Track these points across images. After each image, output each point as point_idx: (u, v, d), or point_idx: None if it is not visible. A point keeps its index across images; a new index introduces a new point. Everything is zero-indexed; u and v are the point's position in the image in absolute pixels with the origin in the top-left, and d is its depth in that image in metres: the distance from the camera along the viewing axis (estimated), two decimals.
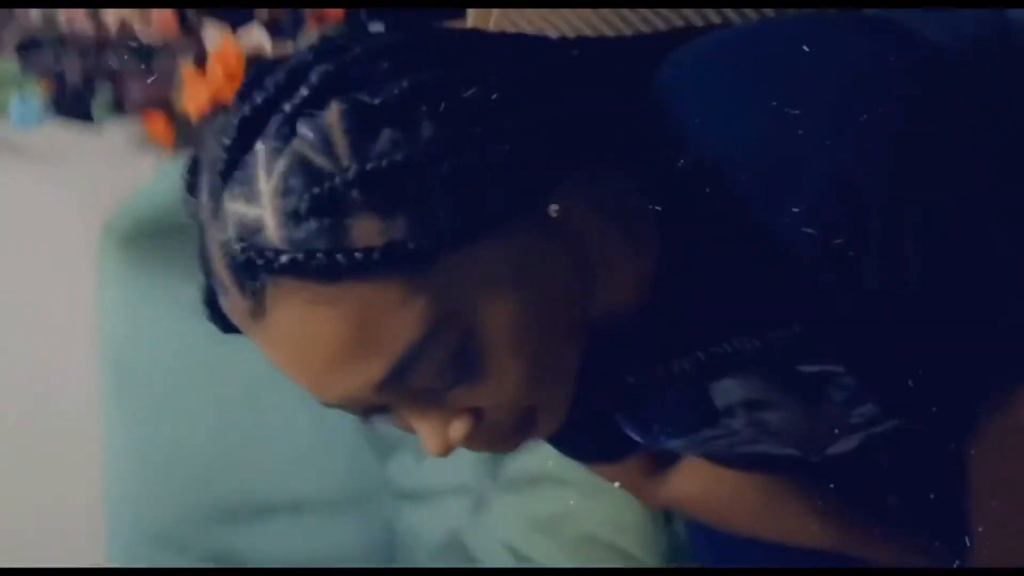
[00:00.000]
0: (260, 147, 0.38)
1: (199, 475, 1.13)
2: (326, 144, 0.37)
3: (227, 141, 0.38)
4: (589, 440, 0.63)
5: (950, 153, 0.41)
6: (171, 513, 1.12)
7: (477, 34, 0.43)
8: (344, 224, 0.37)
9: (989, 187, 0.42)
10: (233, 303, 0.39)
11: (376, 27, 0.46)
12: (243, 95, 0.41)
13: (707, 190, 0.43)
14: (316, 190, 0.36)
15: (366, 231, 0.37)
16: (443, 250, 0.38)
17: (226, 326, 0.42)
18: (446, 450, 0.42)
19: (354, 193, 0.36)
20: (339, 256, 0.36)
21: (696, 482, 0.66)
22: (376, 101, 0.37)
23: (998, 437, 0.52)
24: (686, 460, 0.65)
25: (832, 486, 0.62)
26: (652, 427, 0.58)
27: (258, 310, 0.38)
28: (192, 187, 0.41)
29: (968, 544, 0.57)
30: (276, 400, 1.19)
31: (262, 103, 0.38)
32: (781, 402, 0.52)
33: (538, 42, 0.46)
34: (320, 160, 0.37)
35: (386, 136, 0.37)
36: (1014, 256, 0.43)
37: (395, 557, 1.18)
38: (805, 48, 0.42)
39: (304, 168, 0.37)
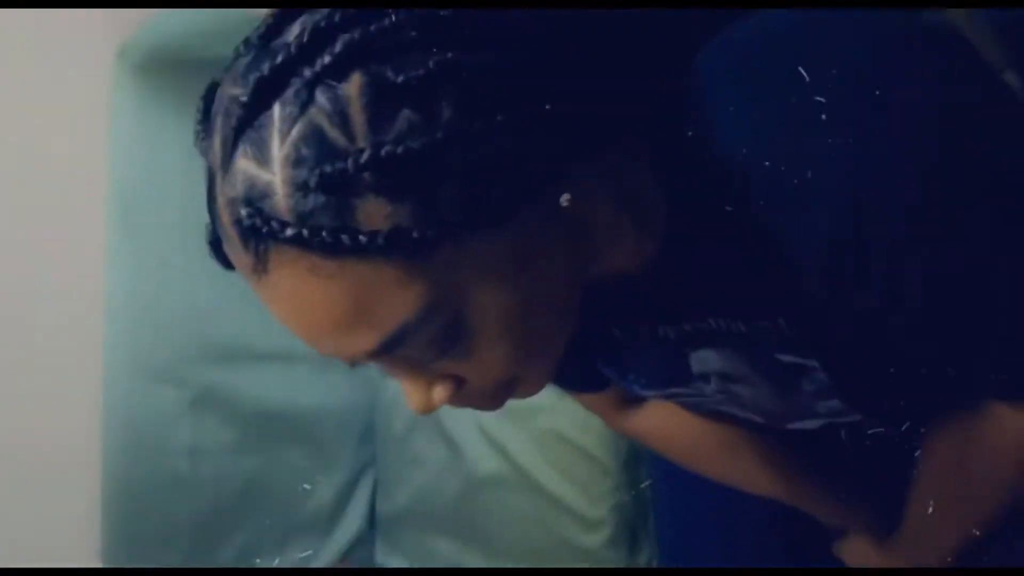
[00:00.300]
0: (276, 109, 0.37)
1: (199, 314, 1.18)
2: (343, 118, 0.37)
3: (243, 98, 0.38)
4: (568, 373, 0.66)
5: (964, 186, 0.42)
6: (169, 349, 1.18)
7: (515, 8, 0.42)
8: (352, 204, 0.37)
9: (999, 216, 0.43)
10: (236, 254, 0.40)
11: None
12: (264, 39, 0.40)
13: (723, 185, 0.44)
14: (328, 168, 0.37)
15: (373, 213, 0.37)
16: (447, 239, 0.38)
17: (229, 265, 0.43)
18: (428, 410, 0.45)
19: (365, 175, 0.37)
20: (343, 236, 0.37)
21: (659, 422, 0.70)
22: (399, 79, 0.37)
23: (947, 443, 0.56)
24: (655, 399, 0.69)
25: (789, 446, 0.67)
26: (628, 375, 0.62)
27: (260, 268, 0.39)
28: (205, 123, 0.41)
29: (901, 521, 0.62)
30: None
31: (282, 63, 0.38)
32: (754, 381, 0.55)
33: (583, 16, 0.44)
34: (335, 134, 0.37)
35: (404, 117, 0.37)
36: (1010, 283, 0.44)
37: (374, 420, 1.25)
38: (836, 58, 0.42)
39: (318, 139, 0.37)
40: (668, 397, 0.63)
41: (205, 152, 0.41)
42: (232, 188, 0.39)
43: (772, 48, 0.43)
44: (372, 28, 0.38)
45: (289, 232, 0.37)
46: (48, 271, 1.08)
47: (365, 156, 0.37)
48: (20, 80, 1.11)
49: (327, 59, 0.37)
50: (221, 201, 0.40)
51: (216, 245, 0.42)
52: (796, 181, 0.41)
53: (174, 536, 1.17)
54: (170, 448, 1.16)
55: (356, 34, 0.38)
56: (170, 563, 1.16)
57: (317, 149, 0.37)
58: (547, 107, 0.39)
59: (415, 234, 0.37)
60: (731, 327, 0.51)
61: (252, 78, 0.38)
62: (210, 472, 1.18)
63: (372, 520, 1.27)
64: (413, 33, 0.38)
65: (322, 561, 1.24)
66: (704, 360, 0.55)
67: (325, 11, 0.39)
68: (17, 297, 1.06)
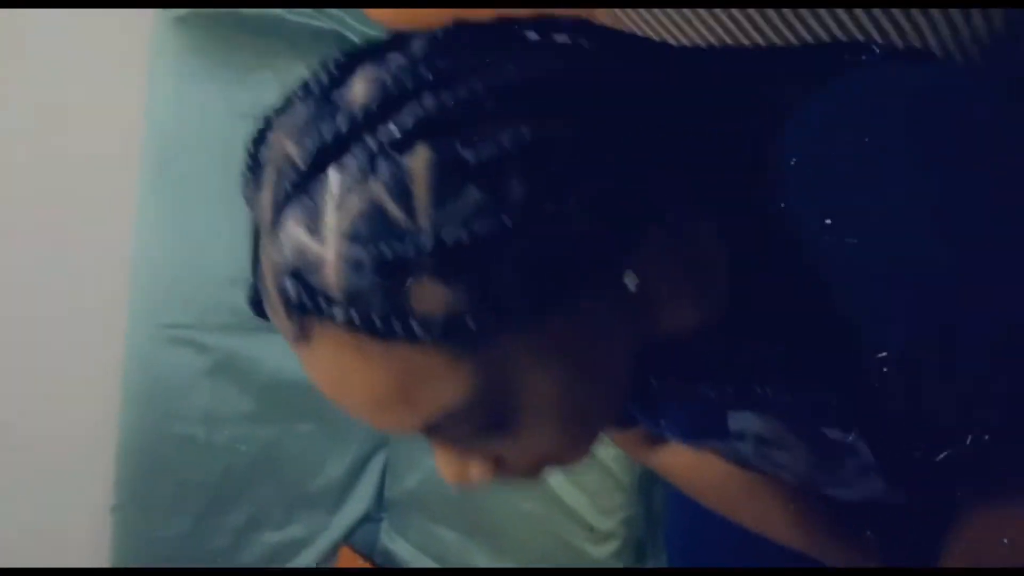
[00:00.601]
0: (333, 176, 0.35)
1: (225, 281, 1.17)
2: (405, 193, 0.34)
3: (300, 163, 0.35)
4: None
5: None
6: (193, 313, 1.17)
7: (607, 68, 0.38)
8: (407, 286, 0.35)
9: None
10: (278, 318, 0.38)
11: (531, 35, 0.40)
12: (325, 91, 0.37)
13: (795, 255, 0.41)
14: (385, 249, 0.34)
15: (428, 297, 0.35)
16: (503, 328, 0.36)
17: (267, 318, 0.40)
18: (462, 484, 0.43)
19: (425, 260, 0.35)
20: (395, 321, 0.35)
21: (685, 461, 0.69)
22: (470, 157, 0.34)
23: (983, 529, 0.54)
24: None
25: (816, 502, 0.65)
26: (659, 420, 0.60)
27: (302, 337, 0.37)
28: (255, 172, 0.38)
29: None
30: None
31: (347, 131, 0.35)
32: (794, 449, 0.53)
33: (661, 79, 0.41)
34: (396, 211, 0.34)
35: (471, 197, 0.34)
36: None
37: None
38: (935, 135, 0.39)
39: (377, 215, 0.34)
40: (698, 446, 0.61)
41: (251, 204, 0.38)
42: (279, 253, 0.36)
43: (862, 120, 0.40)
44: (447, 101, 0.35)
45: (338, 312, 0.35)
46: (78, 227, 1.08)
47: (427, 240, 0.34)
48: (60, 32, 1.09)
49: (394, 131, 0.35)
50: (266, 263, 0.37)
51: (256, 302, 0.40)
52: (882, 268, 0.38)
53: (185, 498, 1.18)
54: (187, 412, 1.17)
55: (429, 106, 0.35)
56: (180, 525, 1.17)
57: (375, 226, 0.34)
58: (620, 183, 0.37)
59: (471, 323, 0.35)
60: (778, 396, 0.49)
61: (311, 144, 0.35)
62: (224, 439, 1.18)
63: (380, 501, 1.27)
64: (489, 105, 0.35)
65: (328, 536, 1.24)
66: (743, 420, 0.54)
67: (394, 69, 0.36)
68: (45, 252, 1.06)
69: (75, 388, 1.13)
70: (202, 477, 1.18)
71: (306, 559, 1.24)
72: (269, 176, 0.37)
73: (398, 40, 0.38)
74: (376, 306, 0.35)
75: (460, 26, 0.39)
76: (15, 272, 1.06)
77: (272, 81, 1.21)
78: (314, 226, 0.35)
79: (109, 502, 1.18)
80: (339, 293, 0.35)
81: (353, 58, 0.38)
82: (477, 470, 0.42)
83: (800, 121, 0.41)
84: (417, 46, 0.37)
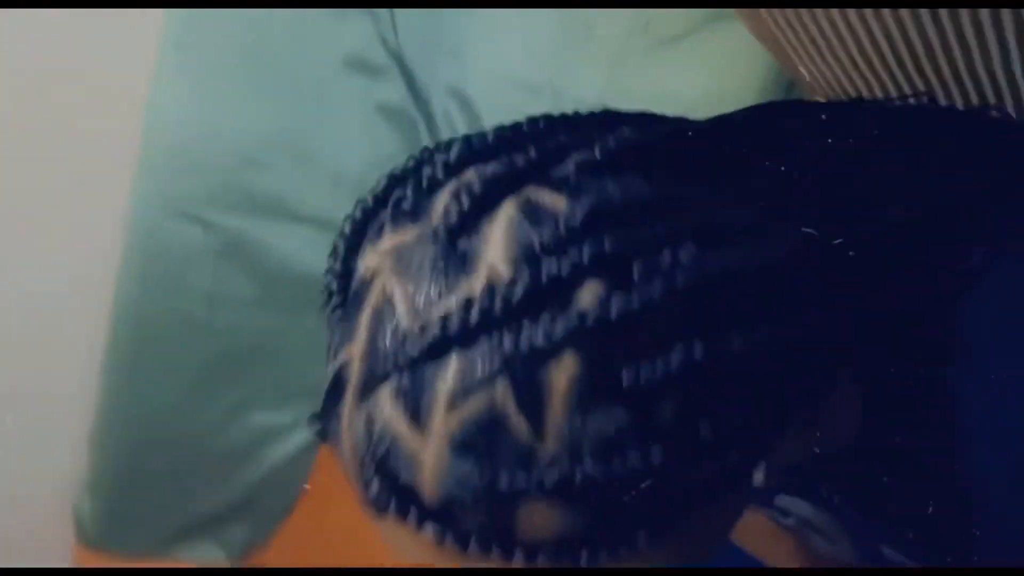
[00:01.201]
0: (453, 365, 0.29)
1: (242, 160, 1.10)
2: (537, 407, 0.28)
3: (412, 333, 0.29)
4: None
5: None
6: (204, 188, 1.11)
7: (792, 239, 0.33)
8: (516, 507, 0.30)
9: None
10: (351, 480, 0.34)
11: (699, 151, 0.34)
12: (450, 233, 0.30)
13: (931, 419, 0.37)
14: (501, 470, 0.29)
15: (539, 524, 0.30)
16: (612, 554, 0.31)
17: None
18: None
19: (544, 486, 0.29)
20: (495, 544, 0.30)
21: None
22: (627, 378, 0.28)
23: None
24: None
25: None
26: None
27: (377, 515, 0.32)
28: (341, 286, 0.33)
29: None
30: (337, 114, 1.13)
31: (480, 319, 0.29)
32: (840, 543, 0.51)
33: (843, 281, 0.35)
34: (521, 426, 0.29)
35: (617, 422, 0.28)
36: None
37: None
38: None
39: (498, 427, 0.29)
40: None
41: (333, 343, 0.32)
42: (364, 429, 0.31)
43: None
44: (615, 309, 0.28)
45: (428, 526, 0.30)
46: (93, 80, 0.99)
47: (554, 467, 0.29)
48: None
49: (541, 335, 0.28)
50: (346, 427, 0.32)
51: (320, 428, 0.35)
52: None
53: (176, 373, 1.16)
54: (188, 289, 1.12)
55: (591, 315, 0.28)
56: (168, 399, 1.15)
57: (492, 438, 0.29)
58: (777, 396, 0.31)
59: (583, 553, 0.30)
60: (846, 507, 0.46)
61: (433, 318, 0.29)
62: (224, 321, 1.15)
63: None
64: (663, 315, 0.29)
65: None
66: (794, 503, 0.51)
67: (548, 240, 0.29)
68: (54, 103, 0.97)
69: (73, 245, 1.08)
70: (198, 356, 1.15)
71: (293, 443, 1.24)
72: (366, 323, 0.31)
73: (547, 160, 0.30)
74: (475, 525, 0.30)
75: (625, 169, 0.31)
76: (25, 122, 0.98)
77: None
78: (416, 417, 0.30)
79: (98, 360, 1.15)
80: (434, 502, 0.30)
81: (490, 180, 0.30)
82: None
83: (983, 292, 0.35)
84: (576, 206, 0.29)
